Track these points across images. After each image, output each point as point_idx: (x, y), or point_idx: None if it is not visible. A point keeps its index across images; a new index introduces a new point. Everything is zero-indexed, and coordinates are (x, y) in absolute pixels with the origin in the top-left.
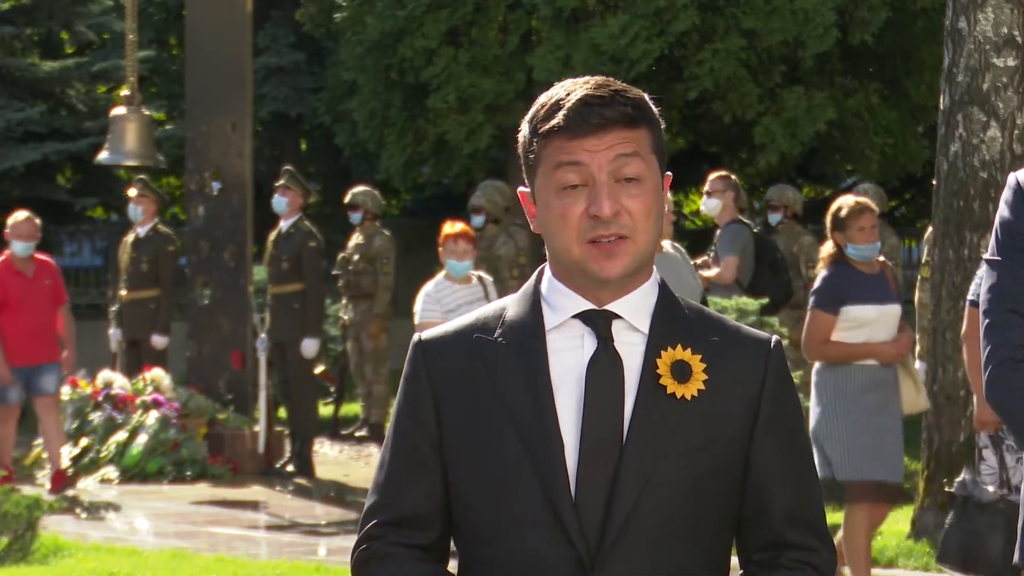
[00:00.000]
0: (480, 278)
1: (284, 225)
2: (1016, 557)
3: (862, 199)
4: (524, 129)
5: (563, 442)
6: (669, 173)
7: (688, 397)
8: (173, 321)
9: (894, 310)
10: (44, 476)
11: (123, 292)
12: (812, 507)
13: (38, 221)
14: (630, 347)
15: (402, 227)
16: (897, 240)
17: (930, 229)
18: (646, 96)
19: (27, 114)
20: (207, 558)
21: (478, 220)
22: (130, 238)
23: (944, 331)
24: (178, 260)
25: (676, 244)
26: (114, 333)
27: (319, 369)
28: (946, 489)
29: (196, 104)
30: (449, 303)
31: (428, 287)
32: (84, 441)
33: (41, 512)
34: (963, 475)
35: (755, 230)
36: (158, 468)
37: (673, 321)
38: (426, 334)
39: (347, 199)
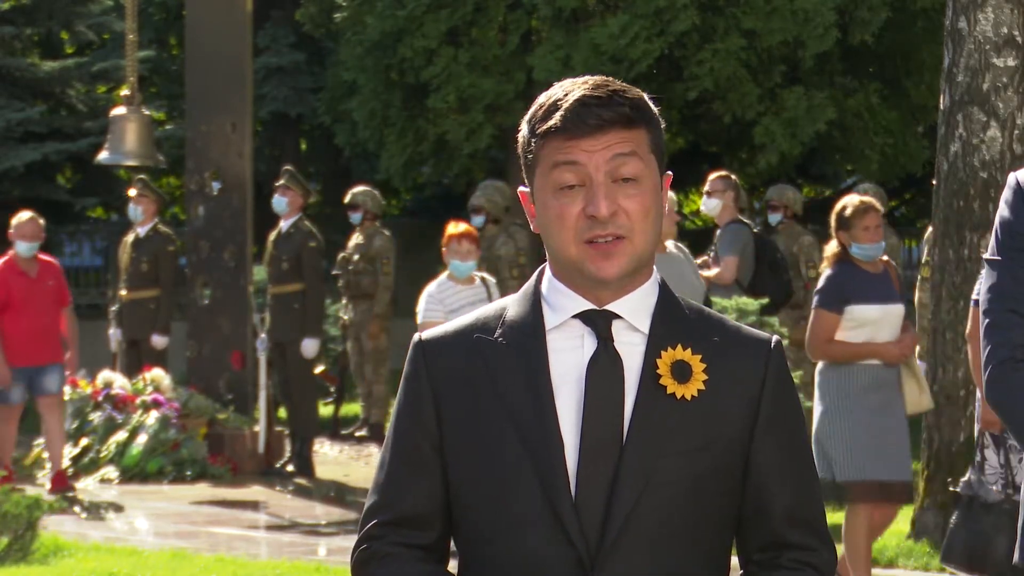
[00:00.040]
0: (483, 279)
1: (284, 225)
2: (1016, 557)
3: (867, 198)
4: (523, 129)
5: (563, 442)
6: (669, 173)
7: (688, 397)
8: (173, 321)
9: (898, 310)
10: (44, 476)
11: (123, 292)
12: (812, 507)
13: (42, 221)
14: (630, 347)
15: (402, 227)
16: (897, 240)
17: (930, 229)
18: (645, 96)
19: (27, 114)
20: (207, 558)
21: (478, 220)
22: (130, 238)
23: (944, 331)
24: (178, 260)
25: (679, 244)
26: (114, 333)
27: (319, 369)
28: (951, 489)
29: (196, 104)
30: (452, 303)
31: (431, 287)
32: (84, 441)
33: (41, 512)
34: (968, 475)
35: (755, 230)
36: (158, 468)
37: (673, 321)
38: (426, 334)
39: (347, 199)
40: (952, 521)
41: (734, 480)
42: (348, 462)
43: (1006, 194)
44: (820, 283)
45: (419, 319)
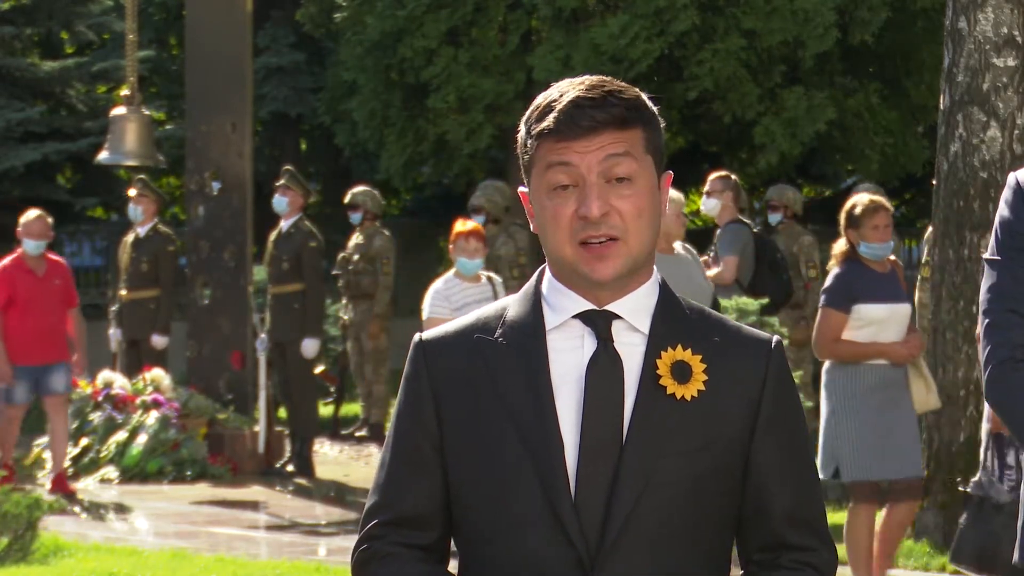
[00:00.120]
0: (489, 278)
1: (284, 225)
2: (1016, 557)
3: (877, 197)
4: (521, 130)
5: (563, 442)
6: (670, 172)
7: (688, 397)
8: (173, 321)
9: (905, 309)
10: (44, 476)
11: (123, 292)
12: (812, 507)
13: (50, 220)
14: (630, 347)
15: (402, 227)
16: (897, 240)
17: (930, 229)
18: (643, 95)
19: (27, 114)
20: (207, 558)
21: (478, 220)
22: (130, 238)
23: (944, 331)
24: (178, 260)
25: (687, 245)
26: (114, 333)
27: (319, 369)
28: (960, 489)
29: (196, 104)
30: (457, 301)
31: (437, 284)
32: (84, 441)
33: (41, 512)
34: (979, 475)
35: (755, 230)
36: (158, 468)
37: (674, 321)
38: (427, 334)
39: (347, 199)
40: (961, 521)
41: (734, 480)
42: (348, 462)
43: (1006, 194)
44: (828, 282)
45: (424, 315)
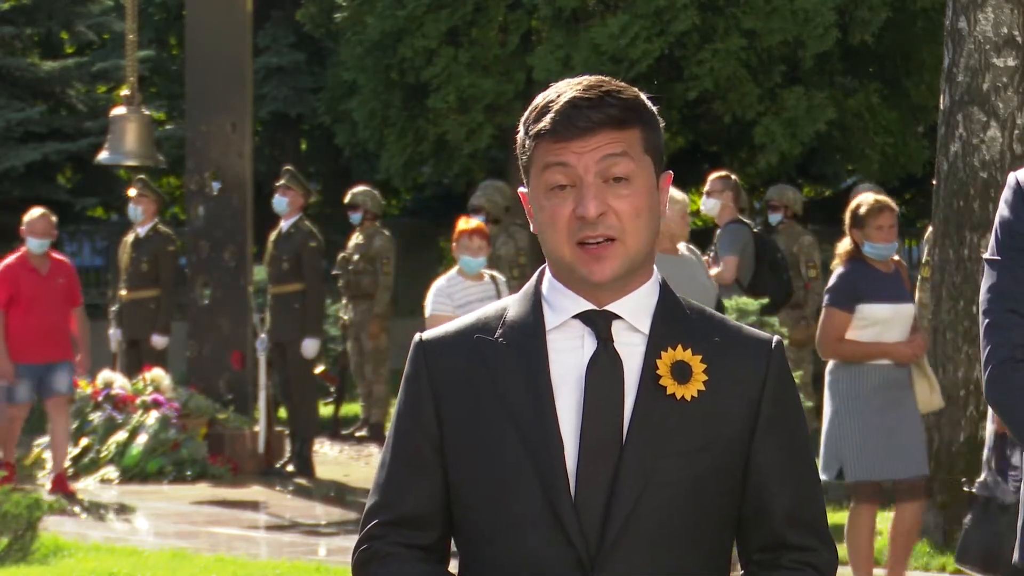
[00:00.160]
0: (493, 276)
1: (285, 225)
2: (1016, 556)
3: (882, 197)
4: (519, 131)
5: (563, 443)
6: (670, 172)
7: (688, 398)
8: (173, 321)
9: (909, 310)
10: (45, 476)
11: (123, 292)
12: (812, 507)
13: (54, 218)
14: (630, 347)
15: (402, 227)
16: (897, 240)
17: (930, 229)
18: (641, 95)
19: (27, 114)
20: (207, 558)
21: (478, 220)
22: (130, 238)
23: (944, 331)
24: (178, 260)
25: (691, 246)
26: (114, 333)
27: (319, 369)
28: (965, 490)
29: (196, 104)
30: (460, 298)
31: (440, 281)
32: (84, 441)
33: (41, 512)
34: (984, 476)
35: (755, 230)
36: (158, 468)
37: (674, 321)
38: (427, 334)
39: (347, 199)
40: (966, 522)
41: (734, 480)
42: (348, 462)
43: (1006, 194)
44: (832, 281)
45: (427, 312)
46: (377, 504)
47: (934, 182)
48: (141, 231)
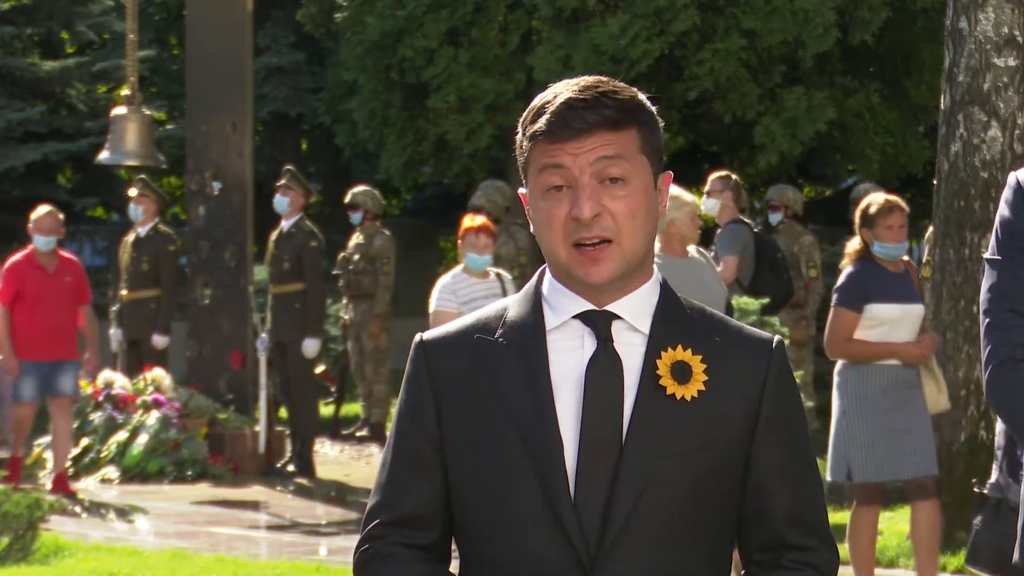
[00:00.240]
0: (498, 274)
1: (285, 225)
2: (1016, 556)
3: (892, 197)
4: (518, 132)
5: (563, 442)
6: (670, 172)
7: (688, 398)
8: (173, 321)
9: (917, 310)
10: (45, 476)
11: (124, 292)
12: (813, 507)
13: (61, 216)
14: (630, 347)
15: (402, 227)
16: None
17: (931, 229)
18: (639, 96)
19: (27, 114)
20: (207, 558)
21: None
22: (131, 238)
23: (944, 331)
24: (178, 260)
25: (701, 249)
26: (115, 333)
27: (319, 369)
28: (975, 490)
29: (196, 104)
30: (464, 296)
31: (445, 278)
32: (85, 441)
33: (41, 512)
34: (996, 477)
35: (755, 230)
36: (159, 468)
37: (674, 321)
38: (428, 335)
39: (347, 199)
40: (977, 523)
41: (734, 480)
42: (349, 462)
43: (1006, 194)
44: (840, 280)
45: (431, 308)
46: (378, 504)
47: (935, 182)
48: (142, 231)
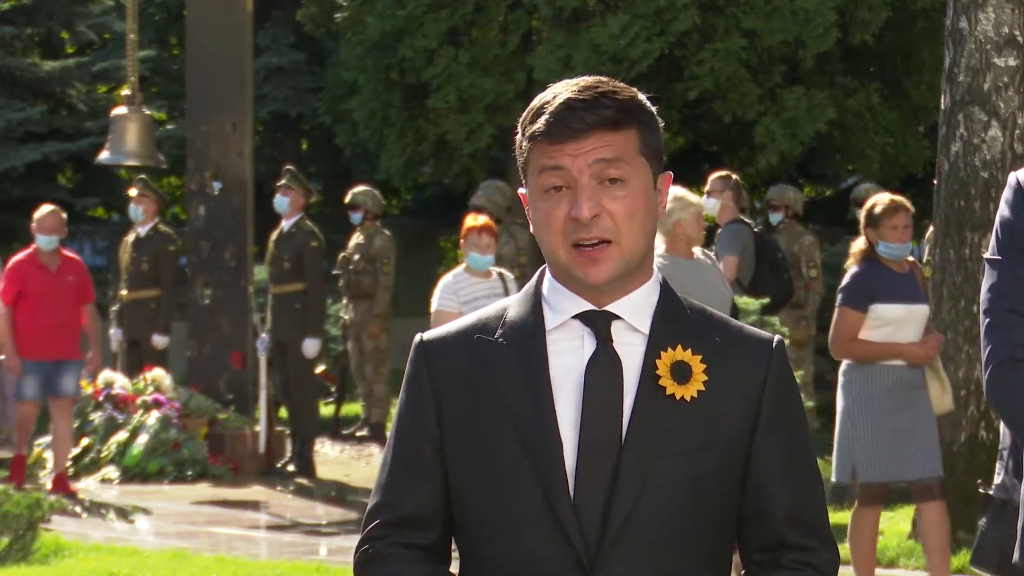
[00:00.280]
0: (501, 274)
1: (286, 225)
2: (1016, 556)
3: (897, 198)
4: (518, 132)
5: (562, 443)
6: (670, 173)
7: (688, 398)
8: (173, 321)
9: (922, 310)
10: (45, 475)
11: (124, 292)
12: (813, 507)
13: (64, 215)
14: (630, 347)
15: (402, 227)
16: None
17: (931, 229)
18: (639, 96)
19: (27, 114)
20: (207, 558)
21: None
22: (131, 238)
23: (944, 331)
24: (179, 260)
25: (707, 251)
26: (115, 333)
27: (320, 369)
28: (980, 491)
29: (196, 104)
30: (466, 295)
31: (447, 278)
32: (85, 441)
33: (42, 512)
34: (1002, 478)
35: (756, 229)
36: (159, 468)
37: (674, 321)
38: (428, 335)
39: (347, 199)
40: (982, 524)
41: (734, 480)
42: (349, 462)
43: (1006, 194)
44: (845, 280)
45: (433, 307)
46: (378, 505)
47: (935, 182)
48: (142, 231)
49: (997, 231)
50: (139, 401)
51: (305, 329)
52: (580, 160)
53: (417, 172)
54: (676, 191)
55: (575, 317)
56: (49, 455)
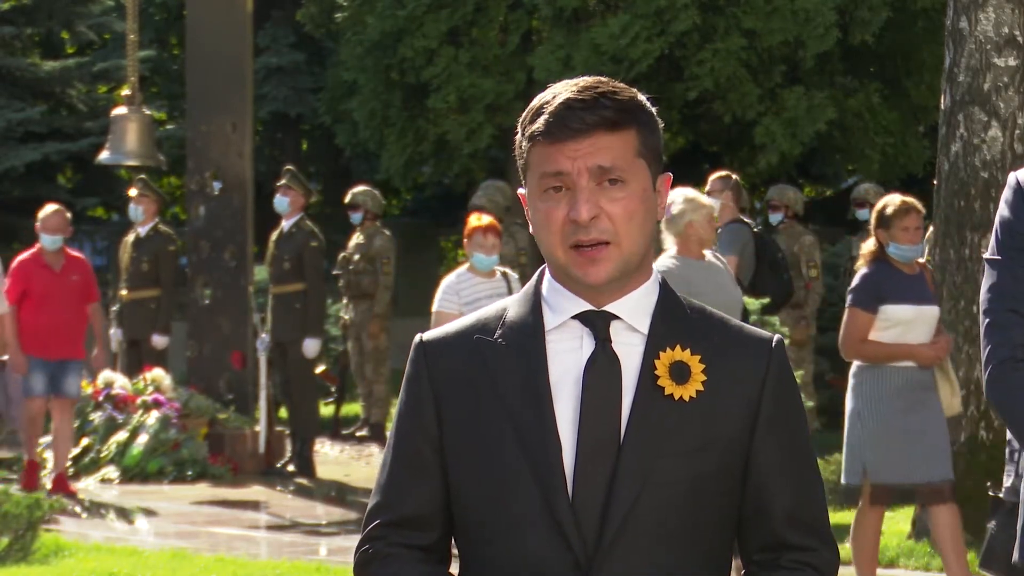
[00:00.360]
0: (505, 274)
1: (286, 225)
2: (1016, 556)
3: (909, 199)
4: (517, 132)
5: (561, 443)
6: (669, 174)
7: (687, 398)
8: (173, 321)
9: (932, 311)
10: (45, 475)
11: (124, 292)
12: (813, 507)
13: (68, 215)
14: (629, 348)
15: (402, 227)
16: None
17: (931, 229)
18: (639, 96)
19: (27, 114)
20: (207, 558)
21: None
22: (131, 238)
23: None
24: (179, 260)
25: (717, 254)
26: (115, 333)
27: (320, 369)
28: (990, 494)
29: (196, 104)
30: (467, 296)
31: (450, 277)
32: (85, 441)
33: (42, 512)
34: (1011, 480)
35: (756, 229)
36: (159, 468)
37: (673, 321)
38: (428, 335)
39: (347, 199)
40: (991, 527)
41: (734, 480)
42: (349, 462)
43: (1006, 194)
44: (855, 281)
45: (434, 308)
46: (378, 505)
47: (935, 182)
48: (142, 231)
49: (997, 231)
50: (139, 401)
51: (305, 329)
52: (579, 161)
53: (417, 172)
54: (687, 193)
55: (574, 317)
56: (49, 455)
